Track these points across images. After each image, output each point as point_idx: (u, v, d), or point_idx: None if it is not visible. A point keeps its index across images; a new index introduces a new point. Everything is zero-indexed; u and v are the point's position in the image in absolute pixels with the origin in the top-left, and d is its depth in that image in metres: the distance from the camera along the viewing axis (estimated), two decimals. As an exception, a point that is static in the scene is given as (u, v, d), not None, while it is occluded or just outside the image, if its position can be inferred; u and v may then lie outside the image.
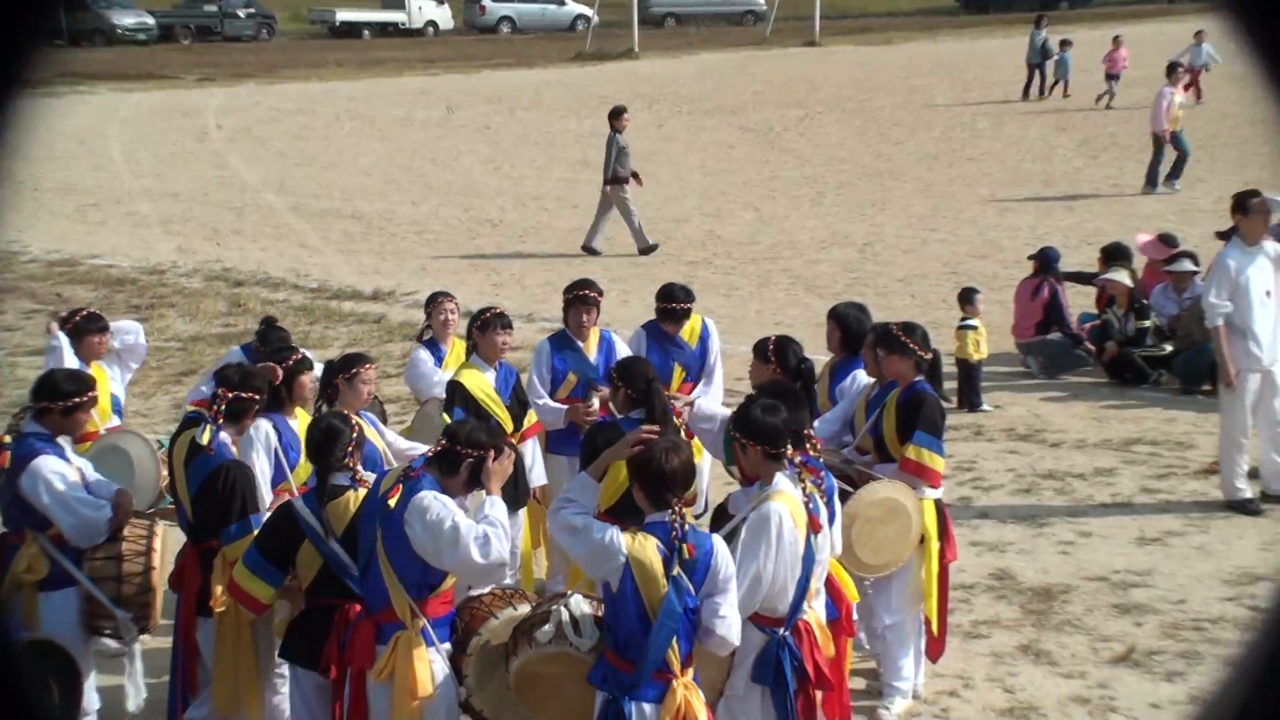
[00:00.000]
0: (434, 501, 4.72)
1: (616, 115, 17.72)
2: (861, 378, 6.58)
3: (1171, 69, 20.72)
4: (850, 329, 6.73)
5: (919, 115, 30.76)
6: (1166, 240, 12.43)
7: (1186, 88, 25.53)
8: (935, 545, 6.19)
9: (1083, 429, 10.26)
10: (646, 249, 17.46)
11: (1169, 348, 11.33)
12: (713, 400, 7.38)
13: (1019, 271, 13.28)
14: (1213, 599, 7.17)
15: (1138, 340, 11.38)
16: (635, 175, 17.62)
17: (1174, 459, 9.45)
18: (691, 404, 6.73)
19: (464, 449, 4.86)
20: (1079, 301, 12.83)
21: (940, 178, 22.81)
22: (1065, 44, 31.55)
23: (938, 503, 6.25)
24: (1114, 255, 12.02)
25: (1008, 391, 11.26)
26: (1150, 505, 8.63)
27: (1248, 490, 8.46)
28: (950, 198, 20.94)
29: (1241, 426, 8.37)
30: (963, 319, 11.09)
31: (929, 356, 6.25)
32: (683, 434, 6.09)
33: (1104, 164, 23.10)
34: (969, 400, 10.83)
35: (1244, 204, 8.41)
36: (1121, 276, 11.64)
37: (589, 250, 17.54)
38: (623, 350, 7.40)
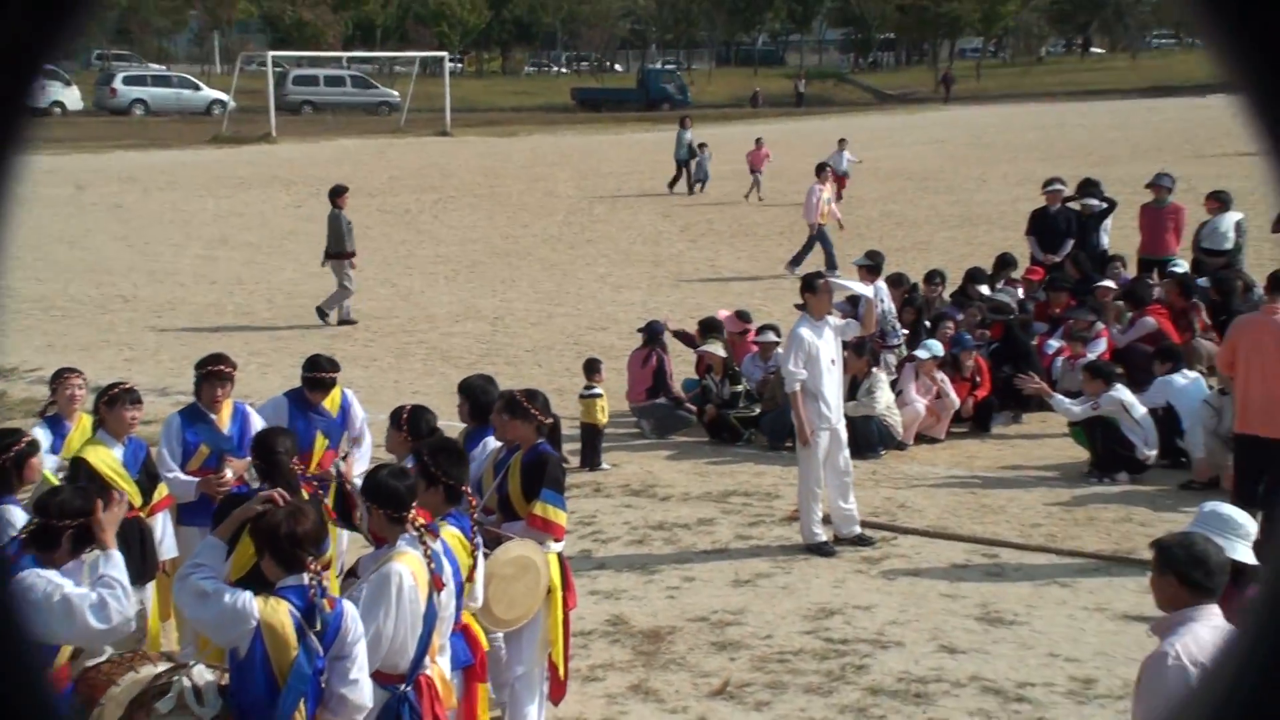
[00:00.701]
0: (37, 580, 4.37)
1: (338, 194, 17.46)
2: (492, 444, 6.60)
3: (820, 169, 21.72)
4: (478, 400, 6.76)
5: (543, 201, 31.45)
6: (741, 316, 13.34)
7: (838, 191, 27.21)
8: (560, 596, 6.27)
9: (688, 483, 10.70)
10: (344, 320, 17.34)
11: (758, 409, 12.06)
12: (362, 463, 7.37)
13: (632, 342, 13.81)
14: (794, 633, 7.58)
15: (732, 403, 12.06)
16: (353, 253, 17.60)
17: (763, 508, 9.99)
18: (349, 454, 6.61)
19: (59, 521, 4.54)
20: (683, 369, 13.50)
21: (563, 258, 23.39)
22: (702, 146, 32.17)
23: (560, 555, 6.33)
24: (709, 328, 12.75)
25: (624, 451, 11.59)
26: (744, 550, 9.05)
27: (823, 534, 9.02)
28: (572, 276, 21.48)
29: (816, 478, 8.95)
30: (587, 386, 11.38)
31: (549, 421, 6.38)
32: (323, 508, 5.96)
33: (703, 247, 24.39)
34: (590, 460, 11.12)
35: (811, 284, 9.12)
36: (716, 348, 12.34)
37: (346, 321, 17.28)
38: (258, 422, 7.14)
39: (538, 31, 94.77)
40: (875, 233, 24.56)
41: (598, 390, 11.27)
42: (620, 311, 18.32)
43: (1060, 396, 10.74)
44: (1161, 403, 10.59)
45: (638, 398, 12.32)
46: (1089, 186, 16.41)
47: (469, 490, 5.31)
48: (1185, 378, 10.69)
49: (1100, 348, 12.30)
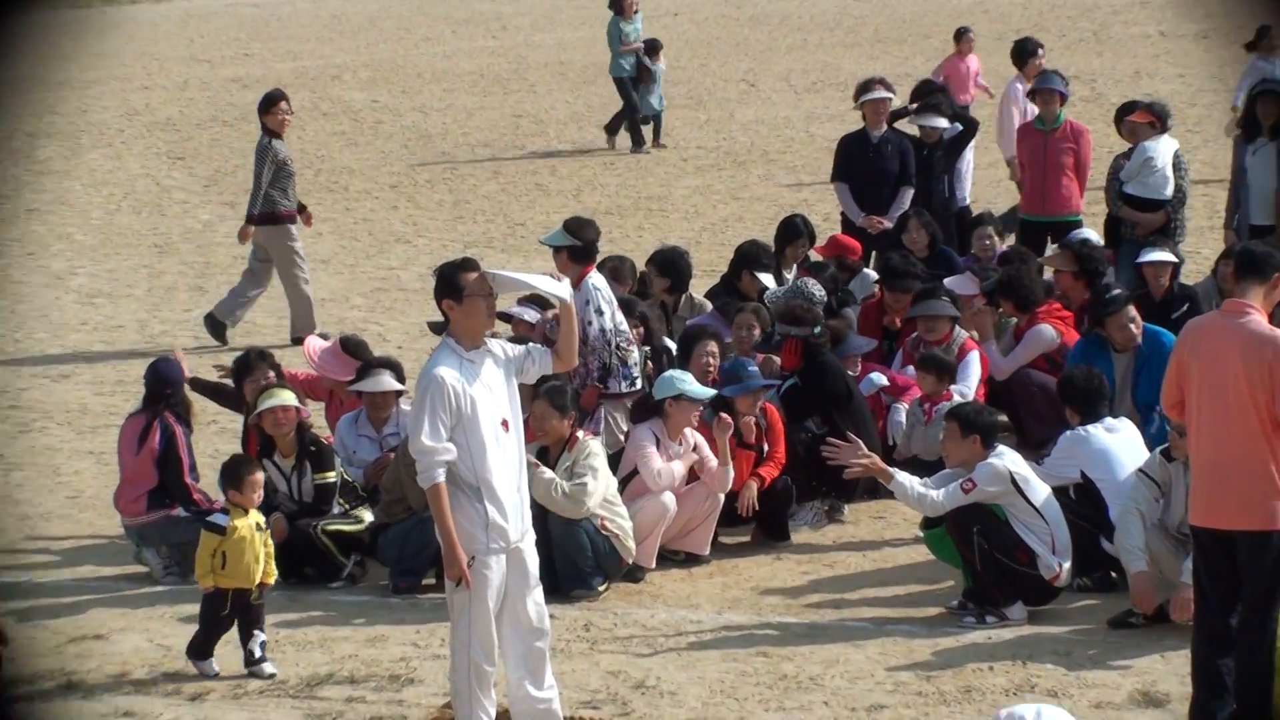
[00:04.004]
0: None
1: (268, 107, 17.83)
2: None
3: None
4: None
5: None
6: (351, 347, 13.10)
7: None
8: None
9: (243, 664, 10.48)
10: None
11: (369, 517, 11.86)
12: None
13: (122, 400, 13.39)
14: None
15: (317, 507, 11.77)
16: (303, 208, 18.32)
17: (385, 703, 9.87)
18: None
19: None
20: (218, 443, 13.18)
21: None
22: (654, 50, 29.98)
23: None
24: (244, 369, 12.61)
25: (107, 607, 11.30)
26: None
27: (498, 746, 8.99)
28: (-1, 276, 20.93)
29: (484, 644, 8.80)
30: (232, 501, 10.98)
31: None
32: None
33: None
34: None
35: (452, 282, 8.81)
36: (280, 398, 12.03)
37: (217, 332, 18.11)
38: None
39: None
40: (570, 184, 24.89)
41: (220, 520, 10.61)
42: (94, 342, 18.14)
43: (904, 476, 11.01)
44: (1075, 476, 11.07)
45: (133, 505, 12.02)
46: (931, 94, 17.12)
47: None
48: (1111, 430, 11.21)
49: (972, 378, 12.73)
